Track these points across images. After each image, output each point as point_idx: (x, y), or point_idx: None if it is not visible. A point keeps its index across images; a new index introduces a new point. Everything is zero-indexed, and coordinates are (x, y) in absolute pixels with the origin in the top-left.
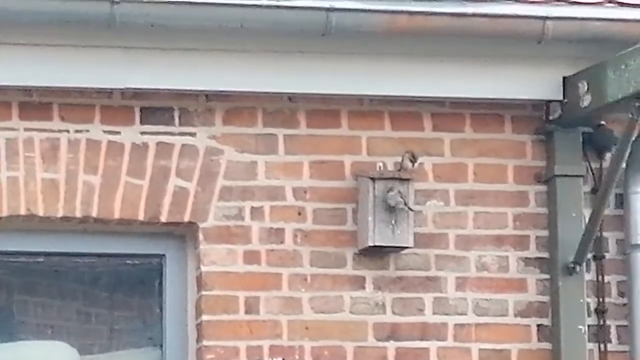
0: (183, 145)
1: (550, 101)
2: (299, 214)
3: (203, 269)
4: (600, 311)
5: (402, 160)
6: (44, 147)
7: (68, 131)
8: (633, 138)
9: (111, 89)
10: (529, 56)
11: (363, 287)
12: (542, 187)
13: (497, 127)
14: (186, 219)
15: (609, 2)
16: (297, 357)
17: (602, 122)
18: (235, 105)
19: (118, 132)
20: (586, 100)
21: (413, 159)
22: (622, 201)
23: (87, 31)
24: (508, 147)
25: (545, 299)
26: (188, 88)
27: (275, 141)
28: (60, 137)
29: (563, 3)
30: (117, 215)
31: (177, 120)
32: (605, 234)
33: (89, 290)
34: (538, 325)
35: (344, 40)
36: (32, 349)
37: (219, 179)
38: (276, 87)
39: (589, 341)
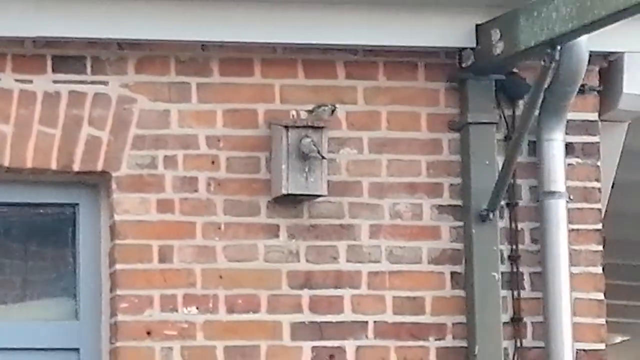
0: (95, 94)
1: (463, 49)
2: (213, 162)
3: (116, 218)
4: (514, 258)
5: (319, 110)
6: None
7: None
8: (545, 85)
9: (22, 37)
10: (442, 3)
11: (277, 236)
12: (456, 135)
13: (410, 75)
14: (99, 168)
15: None
16: (211, 305)
17: (515, 70)
18: (147, 54)
19: (30, 81)
20: (499, 48)
21: (332, 112)
22: (535, 148)
23: None
24: (421, 95)
25: (459, 246)
26: (100, 36)
27: (188, 90)
28: None
29: None
30: (29, 164)
31: (89, 69)
32: (518, 181)
33: (1, 240)
34: (452, 273)
35: None
36: None
37: (131, 128)
38: (189, 36)
39: (502, 288)
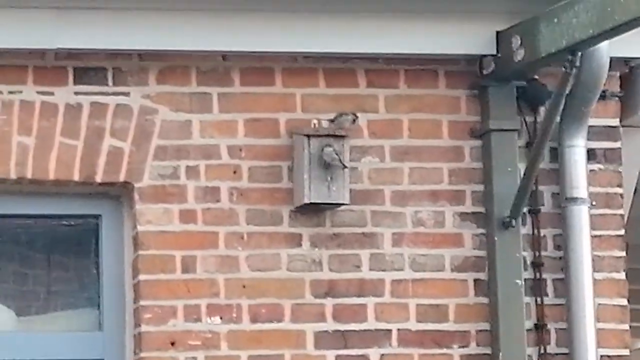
0: (117, 105)
1: (483, 56)
2: (235, 172)
3: (139, 228)
4: (537, 265)
5: (341, 119)
6: None
7: (1, 92)
8: (567, 91)
9: (44, 49)
10: (462, 10)
11: (300, 245)
12: (477, 142)
13: (432, 83)
14: (121, 179)
15: None
16: (234, 315)
17: (536, 76)
18: (168, 64)
19: (52, 93)
20: (519, 55)
21: (354, 121)
22: (556, 155)
23: None
24: (442, 102)
25: (482, 253)
26: (121, 48)
27: (209, 100)
28: None
29: None
30: (52, 176)
31: (110, 80)
32: (540, 187)
33: (25, 252)
34: (475, 280)
35: None
36: None
37: (153, 139)
38: (210, 46)
39: (525, 295)
